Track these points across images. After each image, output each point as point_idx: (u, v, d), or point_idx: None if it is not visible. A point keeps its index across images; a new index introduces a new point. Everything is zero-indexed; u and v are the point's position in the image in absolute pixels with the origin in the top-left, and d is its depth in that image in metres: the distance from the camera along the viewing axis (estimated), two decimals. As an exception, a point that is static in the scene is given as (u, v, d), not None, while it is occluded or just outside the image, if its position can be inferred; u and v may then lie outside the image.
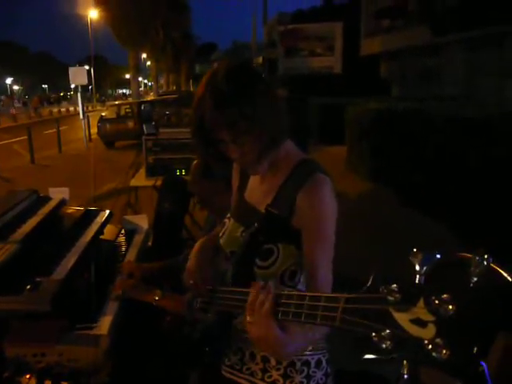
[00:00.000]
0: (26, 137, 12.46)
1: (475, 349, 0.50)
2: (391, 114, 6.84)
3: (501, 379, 1.08)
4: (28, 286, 1.62)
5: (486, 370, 0.49)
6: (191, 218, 3.89)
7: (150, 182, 3.90)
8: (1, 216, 2.13)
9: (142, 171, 4.21)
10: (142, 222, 2.90)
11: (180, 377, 1.52)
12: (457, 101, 7.94)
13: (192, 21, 38.77)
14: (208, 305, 1.25)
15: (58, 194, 2.72)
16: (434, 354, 0.51)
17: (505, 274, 0.55)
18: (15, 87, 71.04)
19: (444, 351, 0.51)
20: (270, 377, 1.26)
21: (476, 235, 4.14)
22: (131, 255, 2.38)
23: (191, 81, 49.11)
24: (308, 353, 1.25)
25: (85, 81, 14.75)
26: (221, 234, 1.32)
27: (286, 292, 0.90)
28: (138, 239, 2.63)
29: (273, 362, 1.26)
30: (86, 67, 18.01)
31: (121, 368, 1.74)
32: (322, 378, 1.27)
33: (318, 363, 1.27)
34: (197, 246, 1.36)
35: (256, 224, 1.17)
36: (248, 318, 0.94)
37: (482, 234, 4.10)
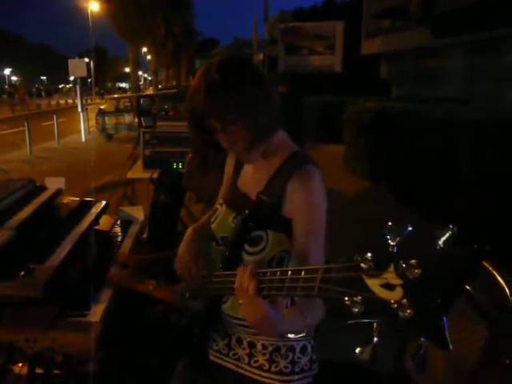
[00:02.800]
0: (23, 128, 12.43)
1: (436, 307, 0.54)
2: (389, 114, 6.87)
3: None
4: (22, 273, 1.63)
5: (445, 326, 0.53)
6: (187, 211, 3.90)
7: (146, 175, 3.90)
8: (-3, 203, 2.14)
9: (139, 164, 4.22)
10: (138, 213, 2.92)
11: (170, 364, 1.54)
12: (454, 103, 7.98)
13: (194, 17, 38.68)
14: (198, 291, 1.27)
15: (54, 183, 2.73)
16: (399, 313, 0.55)
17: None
18: (13, 78, 70.69)
19: (408, 310, 0.55)
20: (256, 361, 1.28)
21: (470, 234, 4.17)
22: (126, 246, 2.39)
23: (191, 76, 49.01)
24: (293, 338, 1.27)
25: (84, 73, 14.70)
26: (213, 220, 1.35)
27: (269, 269, 0.94)
28: (133, 230, 2.64)
29: (259, 346, 1.28)
30: (86, 60, 17.94)
31: (112, 356, 1.76)
32: (306, 364, 1.29)
33: (303, 349, 1.29)
34: (188, 232, 1.39)
35: (247, 211, 1.20)
36: (240, 301, 0.99)
37: (476, 233, 4.13)
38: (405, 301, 0.55)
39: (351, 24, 19.50)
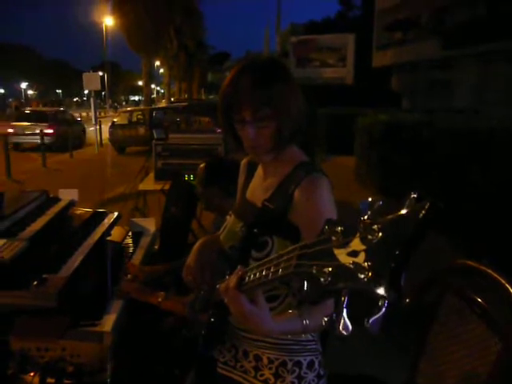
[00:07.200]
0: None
1: (395, 265, 0.55)
2: (400, 126, 6.85)
3: None
4: (35, 282, 1.66)
5: (403, 281, 0.54)
6: (198, 223, 3.92)
7: (158, 186, 3.94)
8: (11, 214, 2.17)
9: (151, 175, 4.27)
10: (150, 225, 2.94)
11: (180, 375, 1.55)
12: (465, 114, 7.94)
13: (206, 30, 39.03)
14: (207, 303, 1.27)
15: (67, 195, 2.77)
16: (359, 275, 0.56)
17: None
18: (29, 92, 71.85)
19: (368, 273, 0.56)
20: (263, 375, 1.26)
21: (480, 247, 4.12)
22: (138, 257, 2.42)
23: (203, 89, 49.42)
24: (300, 353, 1.26)
25: (98, 86, 15.01)
26: (221, 230, 1.36)
27: (256, 263, 0.92)
28: (144, 242, 2.67)
29: (265, 360, 1.26)
30: (100, 73, 18.23)
31: (123, 366, 1.77)
32: (313, 380, 1.26)
33: (311, 365, 1.27)
34: (198, 243, 1.40)
35: (253, 218, 1.22)
36: (226, 300, 0.98)
37: (485, 246, 4.08)
38: (365, 264, 0.57)
39: (363, 36, 19.57)
